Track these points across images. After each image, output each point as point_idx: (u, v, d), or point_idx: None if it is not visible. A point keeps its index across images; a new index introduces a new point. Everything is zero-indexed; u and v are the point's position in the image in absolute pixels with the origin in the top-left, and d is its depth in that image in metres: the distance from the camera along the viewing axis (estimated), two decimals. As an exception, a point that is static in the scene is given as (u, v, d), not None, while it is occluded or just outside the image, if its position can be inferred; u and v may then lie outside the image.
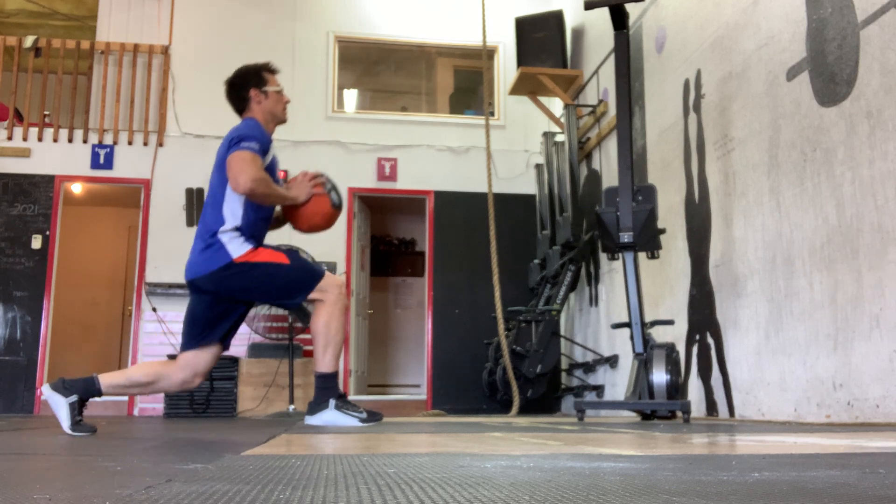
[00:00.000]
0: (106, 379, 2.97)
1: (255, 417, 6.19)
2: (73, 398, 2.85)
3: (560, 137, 7.74)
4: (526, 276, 7.90)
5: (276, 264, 3.20)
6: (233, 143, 3.16)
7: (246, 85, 3.46)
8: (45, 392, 2.88)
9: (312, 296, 3.24)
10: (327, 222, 3.46)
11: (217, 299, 3.19)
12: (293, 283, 3.23)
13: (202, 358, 3.14)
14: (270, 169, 3.28)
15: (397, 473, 1.25)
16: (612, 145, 6.51)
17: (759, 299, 4.30)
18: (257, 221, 3.25)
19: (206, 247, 3.16)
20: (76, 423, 2.83)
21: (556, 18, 7.71)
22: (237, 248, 3.16)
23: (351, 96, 9.04)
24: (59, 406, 2.83)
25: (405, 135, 8.34)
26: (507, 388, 6.54)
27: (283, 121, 3.53)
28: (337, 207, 3.42)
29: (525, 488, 1.05)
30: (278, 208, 3.43)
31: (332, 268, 7.74)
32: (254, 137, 3.20)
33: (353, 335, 8.10)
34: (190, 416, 6.59)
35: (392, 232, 10.74)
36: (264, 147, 3.24)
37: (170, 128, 7.99)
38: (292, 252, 3.34)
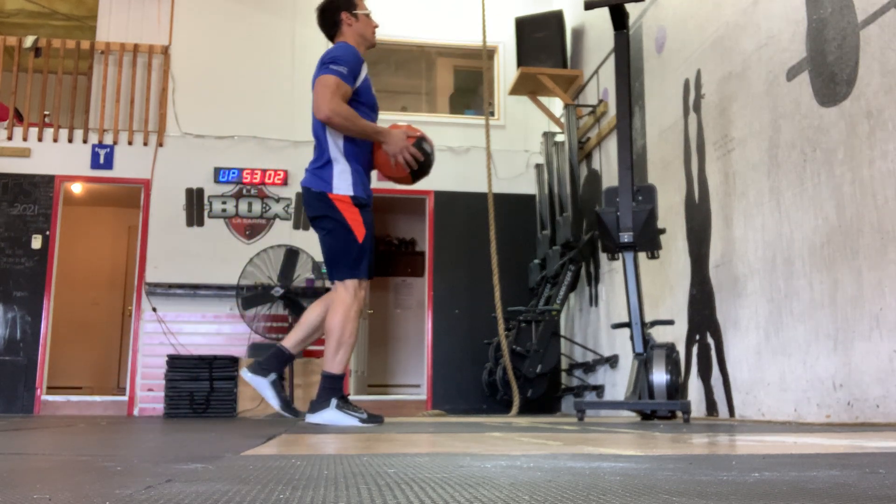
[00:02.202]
0: (287, 343, 3.08)
1: (255, 417, 6.19)
2: (273, 376, 2.95)
3: (560, 137, 7.74)
4: (526, 276, 7.90)
5: (351, 231, 3.24)
6: (324, 64, 3.22)
7: (337, 8, 3.51)
8: (246, 376, 3.00)
9: (337, 284, 3.28)
10: (399, 180, 3.50)
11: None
12: (342, 257, 3.27)
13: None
14: (363, 91, 3.31)
15: (397, 473, 1.25)
16: (612, 145, 6.51)
17: (759, 299, 4.30)
18: (361, 146, 3.30)
19: (320, 166, 3.27)
20: (286, 405, 2.91)
21: (556, 18, 7.71)
22: (341, 185, 3.23)
23: (351, 96, 9.03)
24: (264, 388, 2.94)
25: (405, 135, 8.33)
26: (507, 388, 6.54)
27: (373, 44, 3.58)
28: (418, 172, 3.44)
29: (525, 488, 1.05)
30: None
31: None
32: (344, 60, 3.24)
33: (353, 335, 8.10)
34: (190, 416, 6.59)
35: (392, 232, 10.74)
36: (354, 71, 3.28)
37: (170, 128, 7.99)
38: (368, 232, 3.35)
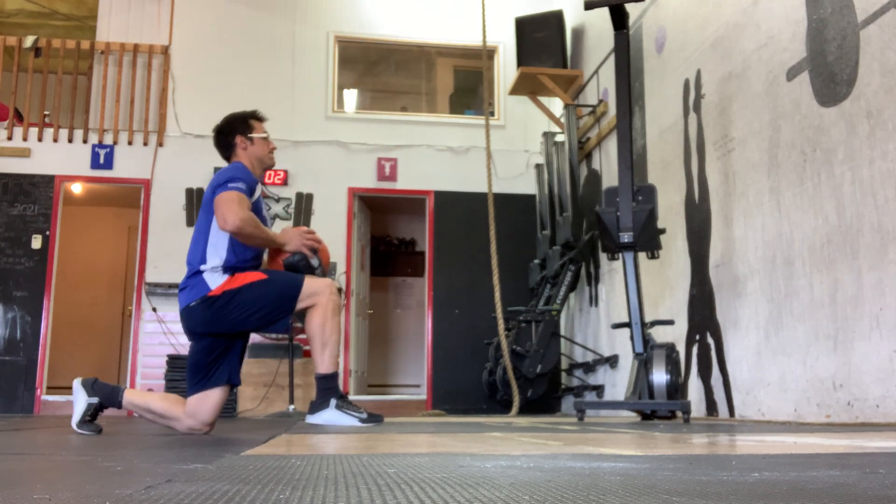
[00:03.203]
0: (129, 395, 3.05)
1: (255, 417, 6.19)
2: (95, 400, 2.94)
3: (560, 137, 7.73)
4: (526, 276, 7.89)
5: (254, 283, 3.17)
6: (220, 185, 3.18)
7: (232, 132, 3.49)
8: (75, 385, 2.98)
9: (302, 305, 3.24)
10: None
11: (213, 341, 3.19)
12: (277, 299, 3.20)
13: (209, 402, 3.10)
14: (256, 209, 3.29)
15: (397, 473, 1.25)
16: (612, 145, 6.51)
17: (759, 299, 4.30)
18: (242, 263, 3.24)
19: (186, 287, 3.16)
20: (83, 421, 2.90)
21: (556, 18, 7.71)
22: (215, 280, 3.15)
23: (351, 96, 9.04)
24: (79, 401, 2.93)
25: (405, 135, 8.34)
26: (507, 388, 6.54)
27: (269, 166, 3.55)
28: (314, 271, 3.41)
29: (525, 488, 1.05)
30: (266, 256, 3.43)
31: (332, 268, 7.74)
32: (240, 178, 3.21)
33: (353, 335, 8.10)
34: (190, 416, 6.58)
35: (392, 232, 10.74)
36: (251, 187, 3.26)
37: (170, 128, 7.99)
38: (258, 267, 3.30)
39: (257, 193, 3.33)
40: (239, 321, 3.17)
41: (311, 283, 3.25)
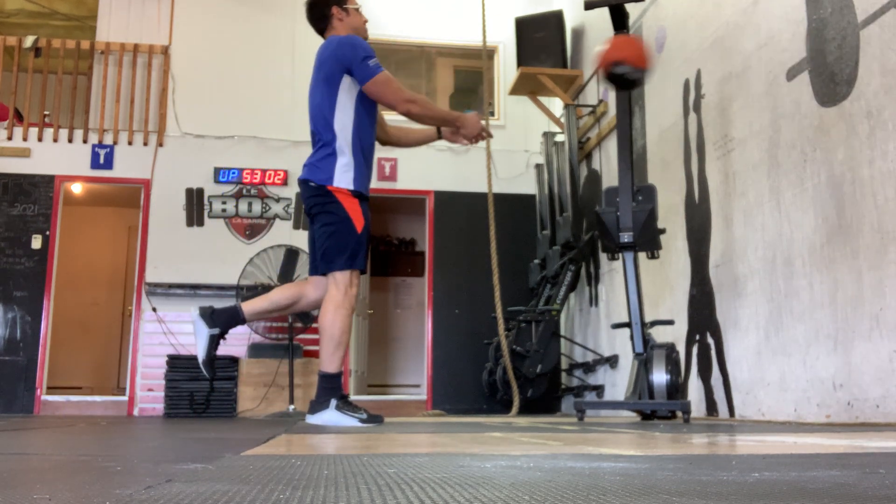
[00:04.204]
0: (249, 306, 3.07)
1: (255, 417, 6.19)
2: (216, 331, 2.95)
3: (560, 137, 7.74)
4: (526, 276, 7.89)
5: (351, 222, 3.24)
6: (363, 59, 3.24)
7: (328, 3, 3.52)
8: (193, 316, 2.99)
9: (329, 279, 3.26)
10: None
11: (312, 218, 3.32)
12: (341, 248, 3.25)
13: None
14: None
15: (397, 473, 1.25)
16: (612, 145, 6.51)
17: (759, 299, 4.30)
18: (365, 128, 3.30)
19: (322, 157, 3.28)
20: (210, 359, 2.92)
21: (556, 18, 7.71)
22: (342, 178, 3.22)
23: (351, 96, 9.03)
24: (201, 334, 2.93)
25: (405, 135, 8.33)
26: (507, 388, 6.54)
27: (365, 37, 3.58)
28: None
29: (525, 488, 1.05)
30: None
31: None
32: (372, 52, 3.30)
33: (353, 335, 8.10)
34: (190, 416, 6.59)
35: (392, 232, 10.74)
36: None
37: (170, 128, 7.99)
38: (367, 225, 3.33)
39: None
40: (319, 220, 3.31)
41: (349, 274, 3.27)
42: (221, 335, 3.21)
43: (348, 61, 3.27)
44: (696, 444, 2.14)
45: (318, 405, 3.34)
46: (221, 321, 3.19)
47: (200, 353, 2.98)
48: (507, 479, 1.17)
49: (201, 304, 7.56)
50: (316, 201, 3.28)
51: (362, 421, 3.32)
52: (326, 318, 3.25)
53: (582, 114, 7.41)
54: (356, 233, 3.24)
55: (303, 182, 3.33)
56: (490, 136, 3.52)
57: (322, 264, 3.32)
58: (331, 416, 3.31)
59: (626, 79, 3.41)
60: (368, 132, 3.34)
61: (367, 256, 3.44)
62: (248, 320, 3.12)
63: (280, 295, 3.28)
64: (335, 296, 3.23)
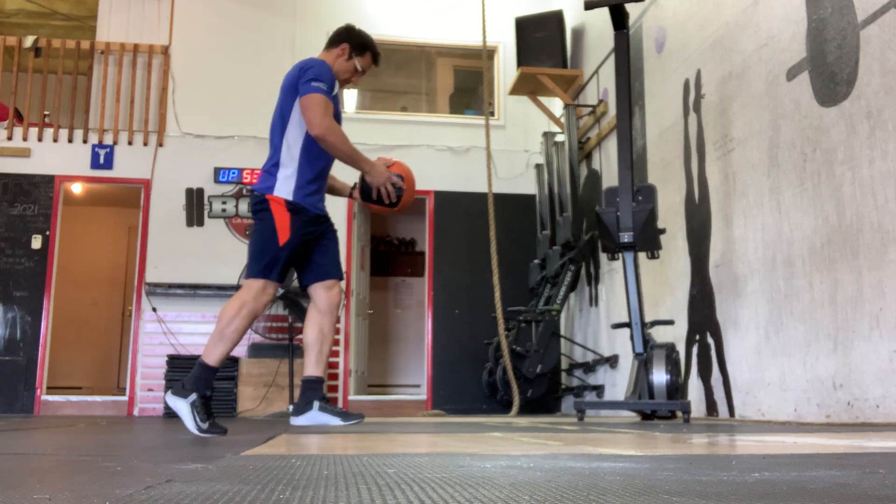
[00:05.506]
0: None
1: (255, 417, 6.19)
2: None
3: (560, 137, 7.74)
4: (526, 276, 7.89)
5: (274, 233, 3.24)
6: (307, 81, 3.28)
7: (345, 39, 3.63)
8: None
9: (245, 282, 3.29)
10: (377, 211, 3.60)
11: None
12: (260, 256, 3.27)
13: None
14: (332, 106, 3.41)
15: (397, 473, 1.25)
16: (612, 145, 6.51)
17: (759, 299, 4.30)
18: (317, 149, 3.33)
19: (268, 168, 3.32)
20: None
21: (556, 18, 7.71)
22: (281, 188, 3.26)
23: (351, 96, 9.04)
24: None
25: (405, 135, 8.34)
26: (507, 388, 6.54)
27: (344, 82, 3.67)
28: (390, 205, 3.51)
29: (525, 488, 1.05)
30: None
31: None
32: (324, 77, 3.36)
33: (353, 335, 8.10)
34: (190, 416, 6.57)
35: (392, 232, 10.74)
36: (331, 88, 3.43)
37: (170, 128, 7.99)
38: (294, 239, 3.31)
39: (335, 90, 3.44)
40: (253, 230, 3.36)
41: (259, 282, 3.24)
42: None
43: (298, 79, 3.35)
44: (696, 444, 2.14)
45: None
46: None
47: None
48: (507, 479, 1.17)
49: (201, 303, 7.67)
50: (254, 208, 3.36)
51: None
52: (227, 312, 3.16)
53: (582, 114, 7.41)
54: (277, 246, 3.24)
55: (250, 190, 3.42)
56: (400, 188, 3.45)
57: (246, 267, 3.41)
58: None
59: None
60: (321, 154, 3.35)
61: (288, 272, 3.47)
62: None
63: (308, 335, 3.35)
64: (244, 295, 3.21)
